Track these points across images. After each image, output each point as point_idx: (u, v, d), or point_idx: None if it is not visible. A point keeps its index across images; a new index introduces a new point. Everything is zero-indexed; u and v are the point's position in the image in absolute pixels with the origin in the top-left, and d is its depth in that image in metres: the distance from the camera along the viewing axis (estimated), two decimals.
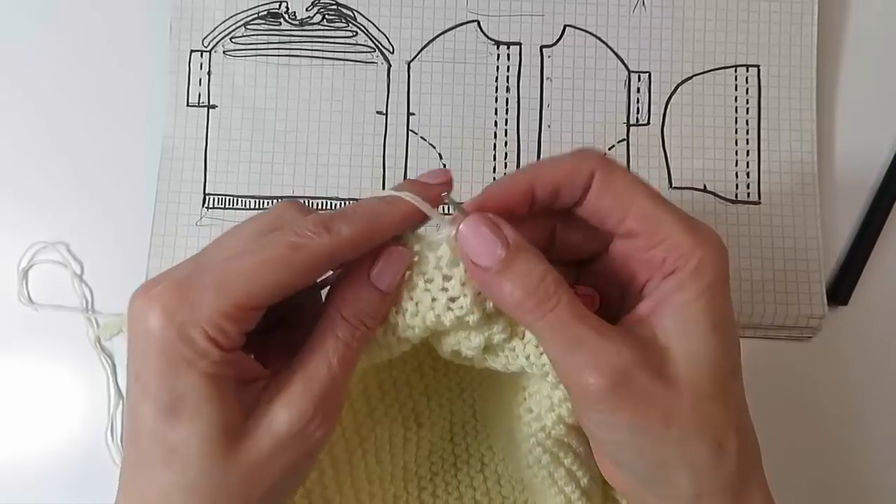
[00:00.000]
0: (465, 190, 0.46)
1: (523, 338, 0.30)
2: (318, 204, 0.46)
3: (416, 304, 0.29)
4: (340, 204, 0.46)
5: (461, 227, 0.28)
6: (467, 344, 0.30)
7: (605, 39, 0.48)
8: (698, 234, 0.28)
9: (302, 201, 0.28)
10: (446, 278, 0.28)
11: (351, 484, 0.35)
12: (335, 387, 0.28)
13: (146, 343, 0.27)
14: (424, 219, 0.29)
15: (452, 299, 0.28)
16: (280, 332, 0.31)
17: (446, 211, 0.29)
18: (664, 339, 0.28)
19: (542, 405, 0.31)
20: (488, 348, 0.30)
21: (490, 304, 0.29)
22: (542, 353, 0.29)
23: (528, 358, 0.29)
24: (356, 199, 0.46)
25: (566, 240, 0.32)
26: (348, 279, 0.29)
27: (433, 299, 0.28)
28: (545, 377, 0.30)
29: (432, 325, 0.29)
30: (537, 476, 0.34)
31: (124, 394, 0.29)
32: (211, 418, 0.26)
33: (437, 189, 0.30)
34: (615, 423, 0.27)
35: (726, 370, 0.28)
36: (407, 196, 0.29)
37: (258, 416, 0.27)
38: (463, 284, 0.28)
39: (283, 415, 0.27)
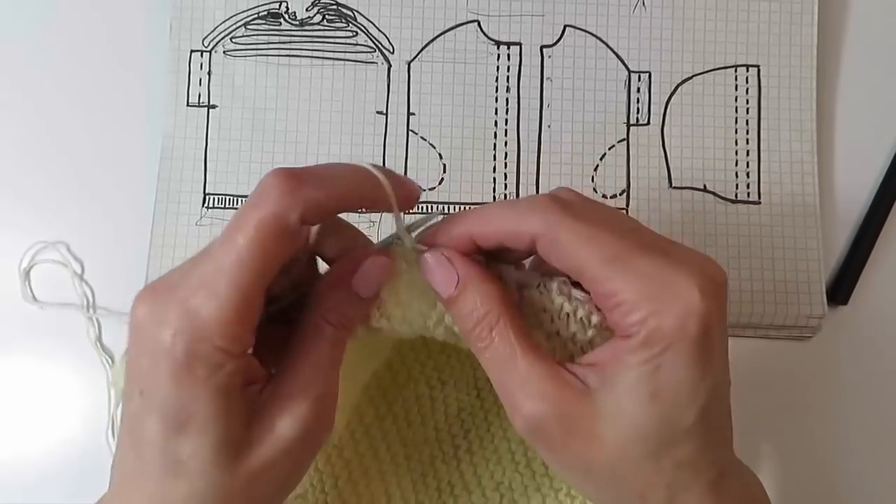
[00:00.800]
0: (466, 190, 0.46)
1: None
2: None
3: (404, 311, 0.30)
4: None
5: (426, 255, 0.29)
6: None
7: (605, 39, 0.48)
8: (661, 296, 0.26)
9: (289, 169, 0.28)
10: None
11: (387, 449, 0.36)
12: (330, 387, 0.29)
13: (154, 358, 0.26)
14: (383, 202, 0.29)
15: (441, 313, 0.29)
16: (275, 326, 0.31)
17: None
18: (604, 395, 0.27)
19: None
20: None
21: None
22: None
23: None
24: None
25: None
26: (330, 286, 0.29)
27: (421, 312, 0.30)
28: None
29: (421, 332, 0.30)
30: None
31: (122, 400, 0.28)
32: (219, 431, 0.27)
33: (409, 188, 0.30)
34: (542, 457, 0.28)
35: (662, 438, 0.27)
36: (373, 169, 0.29)
37: (262, 424, 0.28)
38: None
39: (286, 423, 0.28)
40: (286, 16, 0.47)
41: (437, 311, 0.30)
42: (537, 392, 0.27)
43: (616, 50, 0.48)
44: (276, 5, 0.47)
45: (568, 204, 0.29)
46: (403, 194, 0.29)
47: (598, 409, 0.27)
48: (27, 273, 0.46)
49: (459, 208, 0.46)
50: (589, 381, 0.28)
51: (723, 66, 0.48)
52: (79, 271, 0.46)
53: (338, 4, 0.47)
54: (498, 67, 0.47)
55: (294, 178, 0.27)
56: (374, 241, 0.31)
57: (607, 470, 0.27)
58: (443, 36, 0.47)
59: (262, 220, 0.26)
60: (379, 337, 0.31)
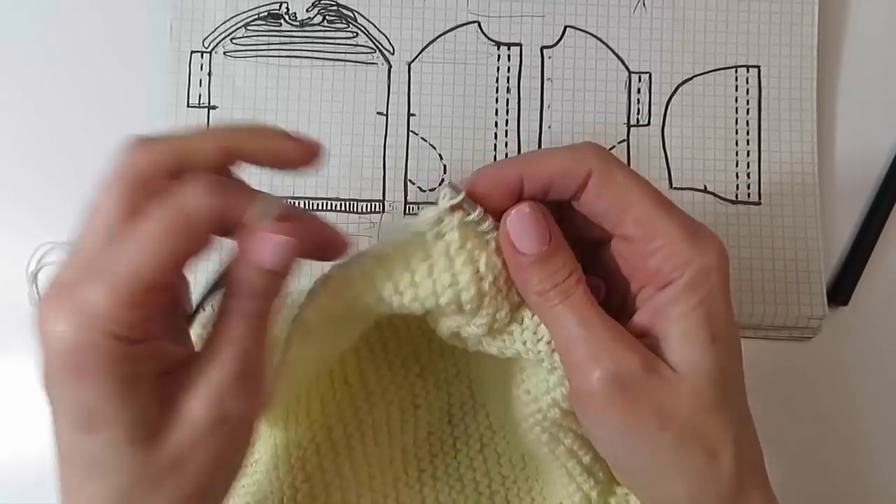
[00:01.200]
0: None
1: (522, 322, 0.30)
2: (319, 204, 0.46)
3: (417, 287, 0.29)
4: (341, 205, 0.46)
5: (513, 211, 0.29)
6: (467, 328, 0.30)
7: (605, 40, 0.48)
8: (697, 241, 0.28)
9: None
10: (454, 264, 0.28)
11: (350, 466, 0.36)
12: (249, 364, 0.27)
13: (47, 355, 0.25)
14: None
15: (457, 286, 0.28)
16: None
17: (450, 195, 0.29)
18: (665, 349, 0.28)
19: (539, 388, 0.31)
20: (487, 332, 0.30)
21: (493, 292, 0.29)
22: (538, 340, 0.29)
23: (524, 343, 0.30)
24: (357, 200, 0.46)
25: (567, 225, 0.31)
26: (235, 262, 0.28)
27: (436, 283, 0.28)
28: (541, 363, 0.30)
29: (432, 308, 0.29)
30: (538, 453, 0.34)
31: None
32: (127, 424, 0.25)
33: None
34: (608, 420, 0.28)
35: (728, 379, 0.28)
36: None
37: (175, 408, 0.26)
38: (476, 272, 0.28)
39: (197, 404, 0.26)
40: (286, 17, 0.47)
41: (448, 290, 0.28)
42: (627, 341, 0.27)
43: (616, 50, 0.48)
44: (277, 6, 0.47)
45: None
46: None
47: (671, 361, 0.27)
48: (35, 276, 0.46)
49: None
50: (653, 335, 0.28)
51: (723, 66, 0.48)
52: None
53: (338, 5, 0.47)
54: (498, 68, 0.47)
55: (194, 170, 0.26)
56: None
57: (685, 421, 0.27)
58: (443, 37, 0.47)
59: (168, 207, 0.25)
60: (360, 312, 0.30)
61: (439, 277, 0.28)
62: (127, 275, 0.25)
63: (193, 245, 0.26)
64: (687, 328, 0.27)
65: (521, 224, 0.28)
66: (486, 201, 0.29)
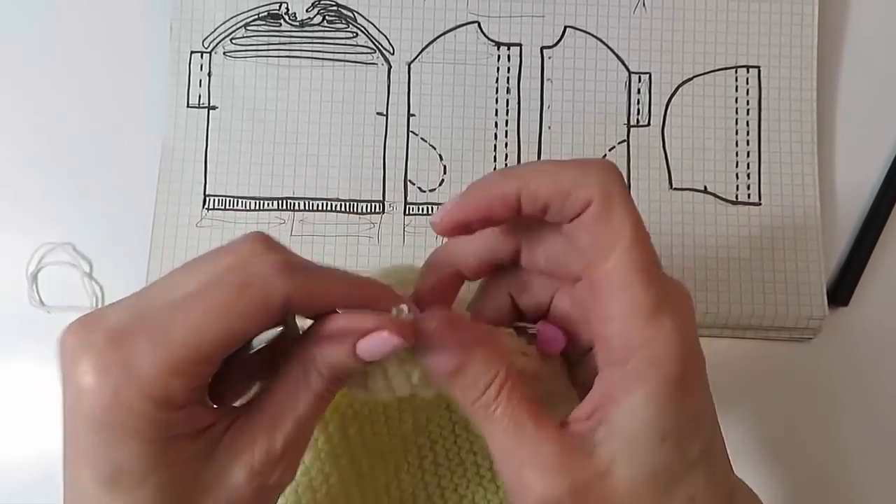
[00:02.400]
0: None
1: None
2: (319, 205, 0.46)
3: (390, 381, 0.28)
4: (341, 205, 0.46)
5: (423, 326, 0.26)
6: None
7: (605, 40, 0.47)
8: (655, 320, 0.25)
9: (272, 236, 0.26)
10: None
11: (350, 458, 0.36)
12: (301, 437, 0.26)
13: (77, 403, 0.23)
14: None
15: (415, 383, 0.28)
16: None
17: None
18: (611, 445, 0.25)
19: None
20: None
21: None
22: None
23: None
24: (356, 201, 0.46)
25: (538, 249, 0.29)
26: (330, 338, 0.26)
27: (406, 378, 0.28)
28: None
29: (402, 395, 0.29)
30: None
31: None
32: (157, 486, 0.24)
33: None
34: None
35: (674, 475, 0.26)
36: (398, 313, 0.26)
37: (214, 470, 0.25)
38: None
39: (241, 473, 0.25)
40: (286, 17, 0.47)
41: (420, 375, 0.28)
42: (551, 465, 0.25)
43: (616, 51, 0.47)
44: (277, 6, 0.47)
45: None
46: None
47: (607, 462, 0.25)
48: (34, 277, 0.46)
49: None
50: (598, 434, 0.26)
51: (723, 67, 0.48)
52: (87, 270, 0.46)
53: (338, 5, 0.47)
54: (498, 68, 0.47)
55: (288, 264, 0.25)
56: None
57: None
58: (443, 37, 0.47)
59: (250, 290, 0.24)
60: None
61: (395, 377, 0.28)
62: (183, 343, 0.23)
63: (260, 324, 0.25)
64: (640, 427, 0.25)
65: (426, 347, 0.27)
66: (479, 223, 0.27)
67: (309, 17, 0.47)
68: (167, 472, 0.24)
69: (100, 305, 0.46)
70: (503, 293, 0.31)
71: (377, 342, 0.25)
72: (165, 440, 0.24)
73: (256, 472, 0.25)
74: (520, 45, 0.47)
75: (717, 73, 0.48)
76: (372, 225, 0.46)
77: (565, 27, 0.48)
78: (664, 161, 0.47)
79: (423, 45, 0.47)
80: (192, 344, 0.23)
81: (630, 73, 0.47)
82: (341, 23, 0.47)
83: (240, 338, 0.24)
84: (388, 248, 0.45)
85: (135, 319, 0.24)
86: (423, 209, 0.46)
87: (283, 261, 0.25)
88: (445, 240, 0.31)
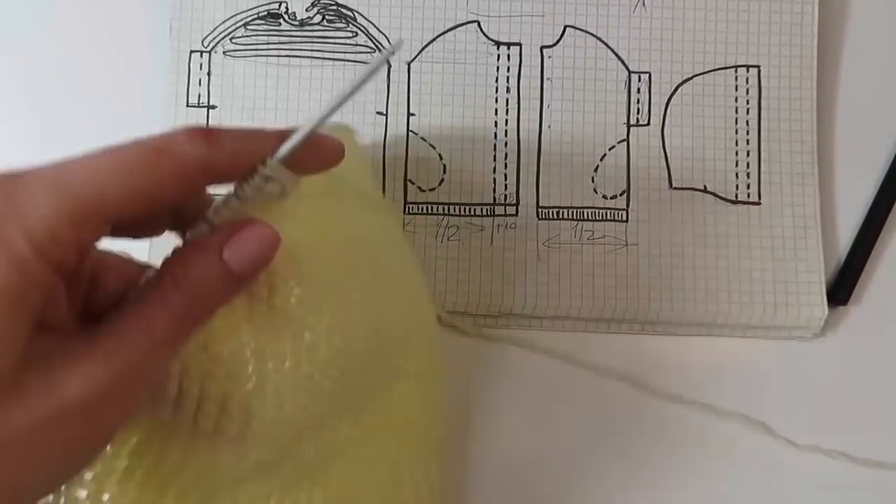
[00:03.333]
0: (466, 190, 0.46)
1: None
2: None
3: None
4: None
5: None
6: None
7: (605, 40, 0.47)
8: None
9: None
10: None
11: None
12: (149, 368, 0.24)
13: None
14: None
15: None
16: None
17: None
18: None
19: None
20: None
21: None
22: None
23: None
24: None
25: None
26: (196, 244, 0.25)
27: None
28: None
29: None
30: None
31: None
32: None
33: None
34: None
35: None
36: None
37: (43, 372, 0.21)
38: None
39: (74, 383, 0.22)
40: (286, 16, 0.47)
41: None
42: None
43: (616, 50, 0.47)
44: (276, 6, 0.47)
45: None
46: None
47: None
48: None
49: (460, 209, 0.46)
50: None
51: (723, 66, 0.48)
52: None
53: (338, 5, 0.47)
54: (498, 68, 0.47)
55: (206, 131, 0.24)
56: None
57: None
58: (443, 36, 0.47)
59: (165, 154, 0.22)
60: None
61: None
62: (82, 192, 0.21)
63: (174, 189, 0.23)
64: None
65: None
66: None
67: (309, 17, 0.47)
68: (8, 336, 0.21)
69: None
70: None
71: (247, 238, 0.25)
72: (22, 301, 0.21)
73: (87, 393, 0.22)
74: (520, 44, 0.47)
75: (716, 72, 0.48)
76: None
77: (565, 27, 0.48)
78: (664, 160, 0.47)
79: (423, 45, 0.47)
80: (93, 195, 0.22)
81: (630, 72, 0.47)
82: (341, 22, 0.47)
83: (148, 200, 0.22)
84: None
85: (34, 169, 0.22)
86: (422, 208, 0.46)
87: (198, 130, 0.23)
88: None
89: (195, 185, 0.24)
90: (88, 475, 0.28)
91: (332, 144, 0.27)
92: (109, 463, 0.28)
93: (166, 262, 0.25)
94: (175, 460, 0.28)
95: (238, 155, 0.24)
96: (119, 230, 0.24)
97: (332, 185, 0.31)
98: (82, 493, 0.28)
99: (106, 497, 0.28)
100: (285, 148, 0.25)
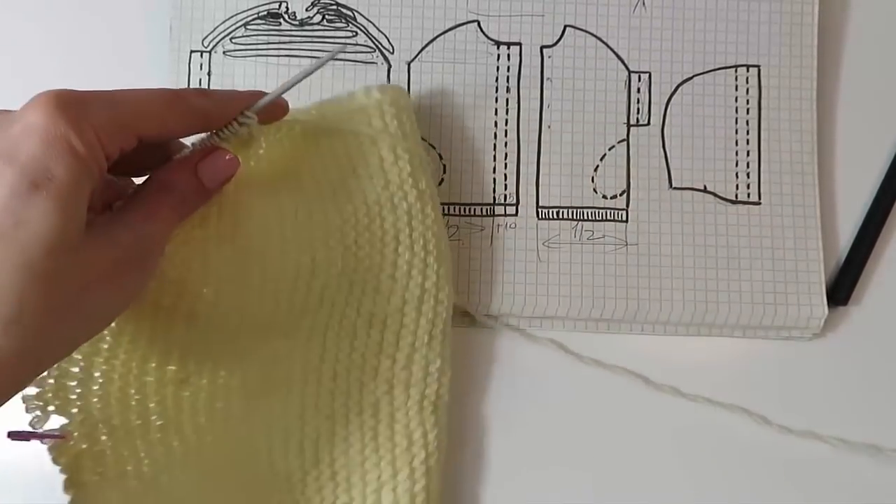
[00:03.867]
0: (466, 190, 0.46)
1: None
2: None
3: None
4: None
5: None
6: None
7: (605, 39, 0.47)
8: None
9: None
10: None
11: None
12: (160, 240, 0.33)
13: (27, 127, 0.28)
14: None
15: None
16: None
17: None
18: None
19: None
20: None
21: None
22: None
23: None
24: None
25: None
26: (179, 160, 0.35)
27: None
28: None
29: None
30: None
31: None
32: (70, 203, 0.27)
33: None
34: None
35: None
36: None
37: (101, 232, 0.30)
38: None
39: (126, 236, 0.31)
40: (286, 16, 0.47)
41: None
42: None
43: (616, 50, 0.47)
44: (276, 5, 0.47)
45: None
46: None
47: None
48: None
49: (460, 209, 0.46)
50: None
51: (723, 66, 0.48)
52: None
53: (337, 4, 0.47)
54: (498, 68, 0.47)
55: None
56: None
57: None
58: (443, 36, 0.47)
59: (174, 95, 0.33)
60: None
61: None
62: (133, 110, 0.30)
63: (184, 128, 0.33)
64: None
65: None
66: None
67: (308, 17, 0.47)
68: (81, 197, 0.28)
69: None
70: None
71: (215, 160, 0.35)
72: (90, 176, 0.29)
73: (123, 247, 0.31)
74: (519, 44, 0.47)
75: (716, 72, 0.48)
76: None
77: (565, 26, 0.48)
78: (664, 160, 0.47)
79: (423, 45, 0.47)
80: (133, 113, 0.31)
81: (630, 72, 0.47)
82: (341, 22, 0.47)
83: (163, 128, 0.32)
84: None
85: (95, 91, 0.30)
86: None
87: (204, 88, 0.40)
88: None
89: (194, 126, 0.34)
90: (77, 355, 0.37)
91: (281, 105, 0.38)
92: (95, 344, 0.37)
93: (156, 171, 0.34)
94: (146, 337, 0.37)
95: (226, 107, 0.35)
96: (125, 165, 0.32)
97: (311, 130, 0.41)
98: (75, 369, 0.37)
99: (97, 374, 0.37)
100: (259, 104, 0.36)
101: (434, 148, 0.47)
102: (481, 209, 0.46)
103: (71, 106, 0.28)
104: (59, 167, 0.27)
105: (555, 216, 0.46)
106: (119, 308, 0.32)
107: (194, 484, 0.39)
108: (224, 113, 0.35)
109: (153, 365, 0.38)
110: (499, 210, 0.46)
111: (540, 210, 0.46)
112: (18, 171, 0.27)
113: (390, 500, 0.40)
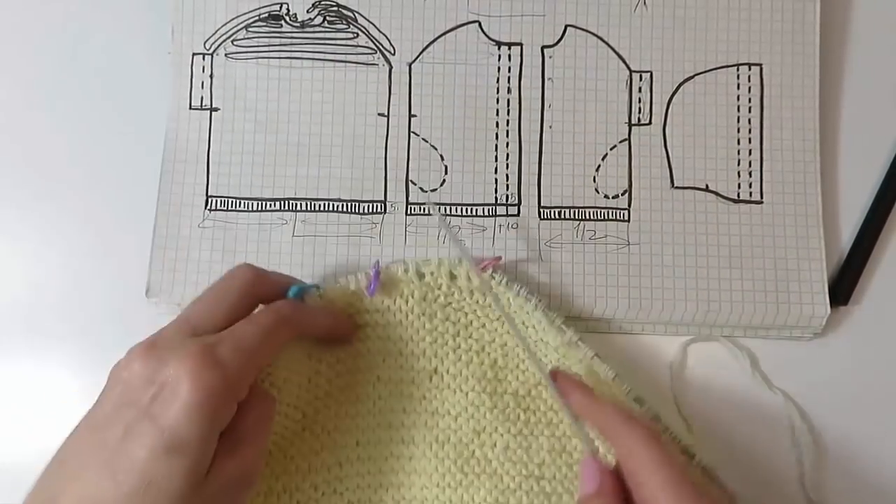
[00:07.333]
0: (468, 191, 0.46)
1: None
2: (321, 205, 0.46)
3: None
4: (343, 206, 0.46)
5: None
6: None
7: (606, 39, 0.47)
8: None
9: (253, 266, 0.38)
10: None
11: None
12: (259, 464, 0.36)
13: (174, 391, 0.31)
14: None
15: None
16: None
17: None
18: None
19: None
20: None
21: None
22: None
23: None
24: (358, 201, 0.46)
25: None
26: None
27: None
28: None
29: None
30: None
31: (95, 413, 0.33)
32: (198, 459, 0.31)
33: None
34: None
35: None
36: None
37: (227, 451, 0.33)
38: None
39: (234, 463, 0.33)
40: (287, 18, 0.47)
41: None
42: None
43: (617, 49, 0.47)
44: (277, 7, 0.47)
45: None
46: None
47: None
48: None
49: (462, 210, 0.46)
50: None
51: (725, 64, 0.48)
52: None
53: (338, 6, 0.47)
54: (499, 68, 0.47)
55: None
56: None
57: None
58: (443, 37, 0.47)
59: (279, 317, 0.36)
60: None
61: None
62: (253, 344, 0.34)
63: (287, 338, 0.37)
64: None
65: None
66: None
67: (310, 18, 0.47)
68: (208, 448, 0.31)
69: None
70: None
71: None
72: (219, 426, 0.32)
73: (241, 467, 0.34)
74: (520, 44, 0.47)
75: (718, 70, 0.47)
76: (374, 225, 0.46)
77: (566, 26, 0.47)
78: (665, 160, 0.47)
79: (424, 46, 0.47)
80: (258, 354, 0.35)
81: (631, 71, 0.47)
82: (342, 23, 0.47)
83: (279, 345, 0.37)
84: (390, 249, 0.45)
85: (212, 340, 0.33)
86: (424, 209, 0.46)
87: (291, 303, 0.40)
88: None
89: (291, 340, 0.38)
90: None
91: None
92: None
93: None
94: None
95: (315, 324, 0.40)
96: None
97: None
98: None
99: None
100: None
101: (436, 149, 0.47)
102: (483, 209, 0.46)
103: (217, 372, 0.31)
104: (194, 436, 0.30)
105: (556, 216, 0.46)
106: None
107: None
108: (313, 326, 0.40)
109: None
110: (500, 210, 0.46)
111: (542, 210, 0.46)
112: (158, 433, 0.30)
113: None
